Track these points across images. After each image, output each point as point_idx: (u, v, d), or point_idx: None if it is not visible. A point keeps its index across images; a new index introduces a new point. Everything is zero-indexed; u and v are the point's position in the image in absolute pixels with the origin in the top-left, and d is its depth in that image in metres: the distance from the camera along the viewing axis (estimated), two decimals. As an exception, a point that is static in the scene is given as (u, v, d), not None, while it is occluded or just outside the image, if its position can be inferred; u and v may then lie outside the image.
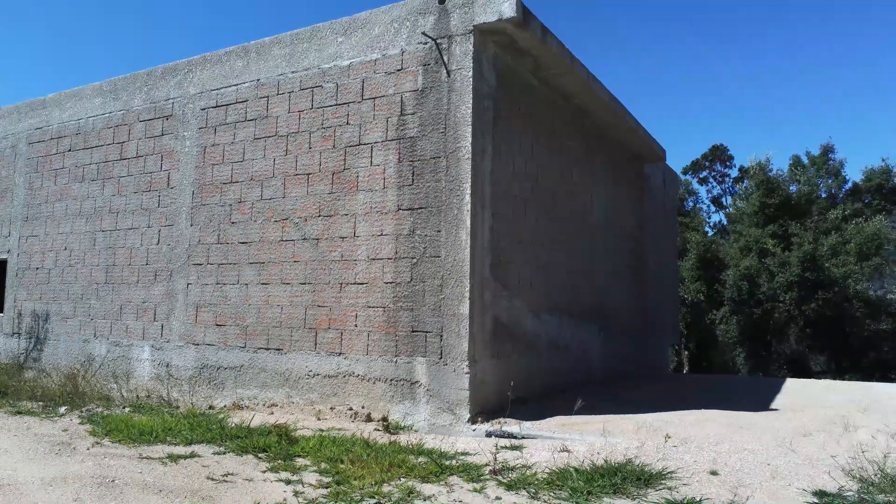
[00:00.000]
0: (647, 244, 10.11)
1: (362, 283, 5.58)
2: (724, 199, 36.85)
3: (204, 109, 6.78)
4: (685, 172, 38.35)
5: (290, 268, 6.00)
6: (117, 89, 7.58)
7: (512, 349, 5.79)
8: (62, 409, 5.52)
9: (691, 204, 17.58)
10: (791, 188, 15.57)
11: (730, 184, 37.76)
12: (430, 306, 5.23)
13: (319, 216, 5.89)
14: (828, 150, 16.16)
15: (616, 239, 8.73)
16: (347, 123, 5.83)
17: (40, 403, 5.99)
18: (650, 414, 5.39)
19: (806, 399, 6.61)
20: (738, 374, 16.45)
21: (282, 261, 6.06)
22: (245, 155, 6.42)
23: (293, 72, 6.21)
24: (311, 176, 5.99)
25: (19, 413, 5.38)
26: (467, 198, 5.15)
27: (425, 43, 5.49)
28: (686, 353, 16.23)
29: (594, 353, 7.81)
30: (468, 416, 4.98)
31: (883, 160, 16.03)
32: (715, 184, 37.59)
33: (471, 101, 5.23)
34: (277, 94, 6.29)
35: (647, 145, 9.21)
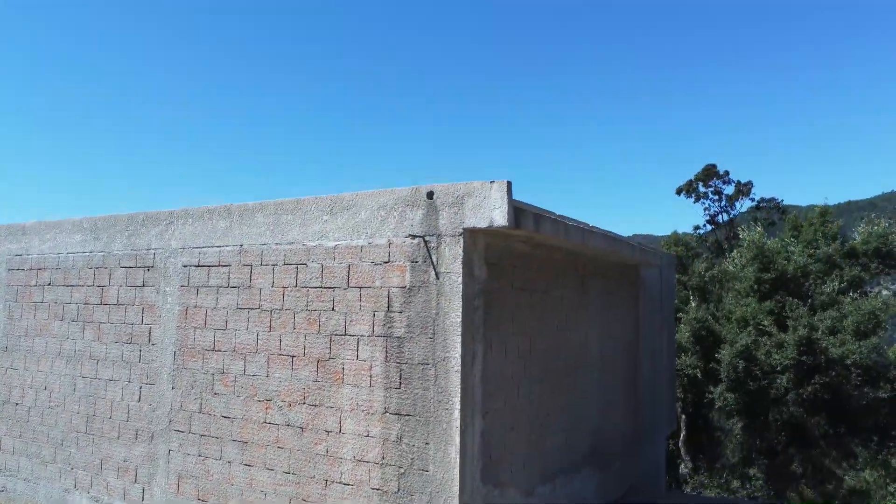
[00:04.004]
0: (642, 344, 9.92)
1: (348, 485, 5.38)
2: (719, 218, 36.81)
3: (186, 267, 6.55)
4: (679, 192, 38.23)
5: (274, 453, 5.79)
6: (98, 229, 7.35)
7: (504, 542, 5.60)
8: None
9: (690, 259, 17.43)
10: (789, 248, 15.41)
11: (725, 202, 37.70)
12: (417, 523, 5.03)
13: (304, 404, 5.67)
14: (825, 213, 16.00)
15: (611, 360, 8.54)
16: (333, 310, 5.61)
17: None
18: None
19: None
20: (734, 438, 16.29)
21: (265, 444, 5.84)
22: (228, 324, 6.20)
23: (277, 243, 5.98)
24: (295, 359, 5.78)
25: None
26: (456, 413, 4.95)
27: (413, 237, 5.27)
28: (684, 417, 16.11)
29: (588, 494, 7.63)
30: None
31: (878, 223, 15.86)
32: (710, 202, 37.54)
33: (460, 309, 5.01)
34: (261, 265, 6.06)
35: (644, 260, 9.02)
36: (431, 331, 5.12)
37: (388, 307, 5.34)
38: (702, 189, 36.82)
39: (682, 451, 16.44)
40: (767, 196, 35.05)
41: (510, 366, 5.80)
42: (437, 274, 5.13)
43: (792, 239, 14.92)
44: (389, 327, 5.31)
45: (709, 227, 35.92)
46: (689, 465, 16.40)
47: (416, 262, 5.24)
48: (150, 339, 6.72)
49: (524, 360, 6.05)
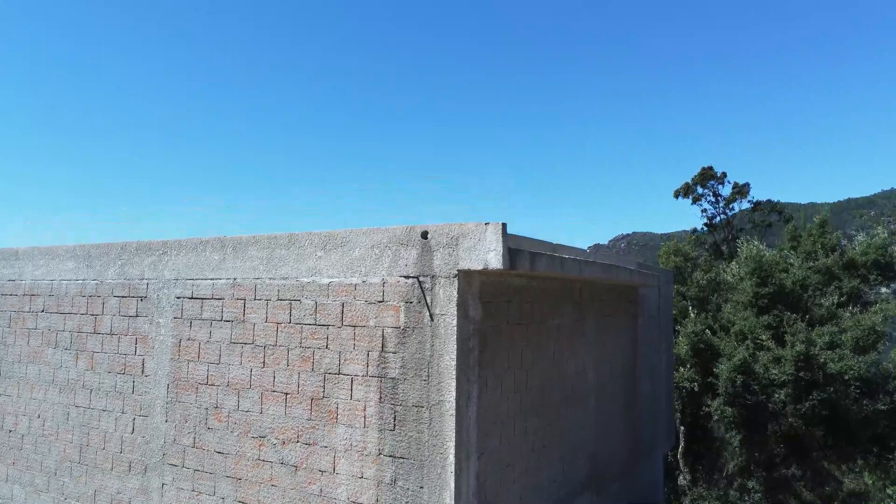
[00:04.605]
0: (641, 362, 9.88)
1: (342, 526, 5.33)
2: (717, 220, 36.82)
3: (179, 298, 6.49)
4: (676, 196, 38.26)
5: (268, 492, 5.74)
6: (91, 257, 7.28)
7: (499, 582, 5.55)
8: None
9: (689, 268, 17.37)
10: (788, 260, 15.36)
11: (723, 204, 37.68)
12: (412, 568, 4.98)
13: (298, 442, 5.62)
14: (824, 223, 15.95)
15: (609, 384, 8.49)
16: (327, 348, 5.56)
17: None
18: None
19: None
20: (732, 450, 16.25)
21: (259, 482, 5.79)
22: (221, 358, 6.14)
23: (270, 278, 5.92)
24: (289, 396, 5.72)
25: None
26: (451, 458, 4.90)
27: (407, 277, 5.21)
28: (682, 428, 16.08)
29: (586, 521, 7.59)
30: None
31: (877, 233, 15.81)
32: (708, 204, 37.51)
33: (455, 351, 4.96)
34: (255, 300, 6.01)
35: (643, 283, 8.96)
36: (426, 373, 5.06)
37: (382, 347, 5.28)
38: (699, 191, 36.82)
39: (681, 462, 16.42)
40: (764, 199, 34.99)
41: (505, 402, 5.75)
42: (431, 315, 5.07)
43: (791, 251, 14.87)
44: (384, 368, 5.26)
45: (706, 230, 35.95)
46: (688, 476, 16.37)
47: (411, 302, 5.19)
48: (143, 371, 6.67)
49: (520, 394, 6.00)
